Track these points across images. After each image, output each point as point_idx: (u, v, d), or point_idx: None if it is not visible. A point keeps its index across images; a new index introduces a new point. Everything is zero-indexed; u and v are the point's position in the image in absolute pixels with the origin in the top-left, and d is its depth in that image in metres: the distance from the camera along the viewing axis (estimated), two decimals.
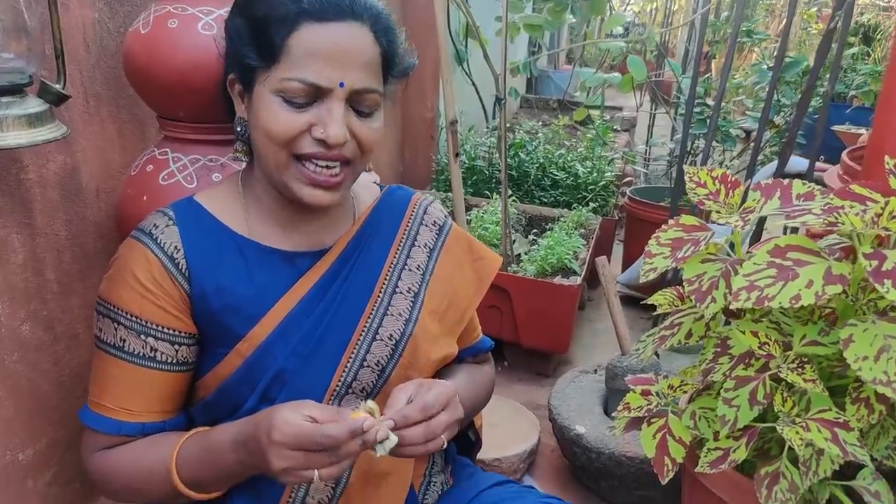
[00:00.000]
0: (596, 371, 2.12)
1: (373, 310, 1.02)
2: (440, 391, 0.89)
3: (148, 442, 0.96)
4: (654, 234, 1.09)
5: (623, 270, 3.22)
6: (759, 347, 0.92)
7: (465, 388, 1.11)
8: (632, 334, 2.99)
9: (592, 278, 2.99)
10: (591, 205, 3.01)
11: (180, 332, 0.96)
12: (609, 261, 2.03)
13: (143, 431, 0.96)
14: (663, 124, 4.97)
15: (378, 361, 1.01)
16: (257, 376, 0.96)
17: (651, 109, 4.73)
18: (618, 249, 3.56)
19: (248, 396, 0.96)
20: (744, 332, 0.93)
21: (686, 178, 1.11)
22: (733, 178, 1.09)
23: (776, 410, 0.90)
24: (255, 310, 0.96)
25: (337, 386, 0.99)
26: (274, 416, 0.82)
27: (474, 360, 1.26)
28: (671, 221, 1.09)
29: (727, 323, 1.05)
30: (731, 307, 0.91)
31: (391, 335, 1.02)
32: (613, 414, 1.87)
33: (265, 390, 0.96)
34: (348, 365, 0.99)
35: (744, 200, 1.05)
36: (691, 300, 1.20)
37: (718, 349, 1.01)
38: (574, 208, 2.93)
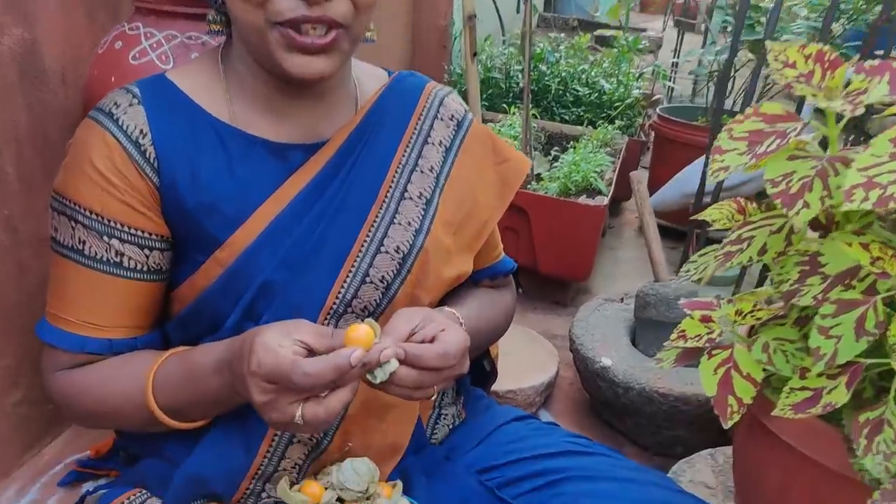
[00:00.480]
0: (622, 300, 1.93)
1: (377, 217, 0.87)
2: (459, 341, 0.77)
3: (118, 362, 0.84)
4: (726, 127, 0.88)
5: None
6: (872, 263, 0.71)
7: (480, 316, 0.99)
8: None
9: (612, 204, 2.77)
10: (617, 123, 2.77)
11: (150, 234, 0.83)
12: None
13: (111, 349, 0.84)
14: (693, 43, 4.65)
15: (382, 277, 0.87)
16: (240, 289, 0.83)
17: (679, 32, 4.42)
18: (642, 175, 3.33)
19: (229, 312, 0.83)
20: (850, 245, 0.73)
21: (770, 57, 0.88)
22: (832, 57, 0.86)
23: (891, 343, 0.70)
24: (236, 211, 0.83)
25: (334, 304, 0.84)
26: (256, 340, 0.70)
27: (492, 284, 1.11)
28: (748, 111, 0.87)
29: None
30: (840, 210, 0.71)
31: (398, 247, 0.88)
32: (643, 346, 1.72)
33: (249, 306, 0.83)
34: (347, 280, 0.85)
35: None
36: (760, 211, 0.99)
37: (806, 267, 0.81)
38: (599, 126, 2.68)
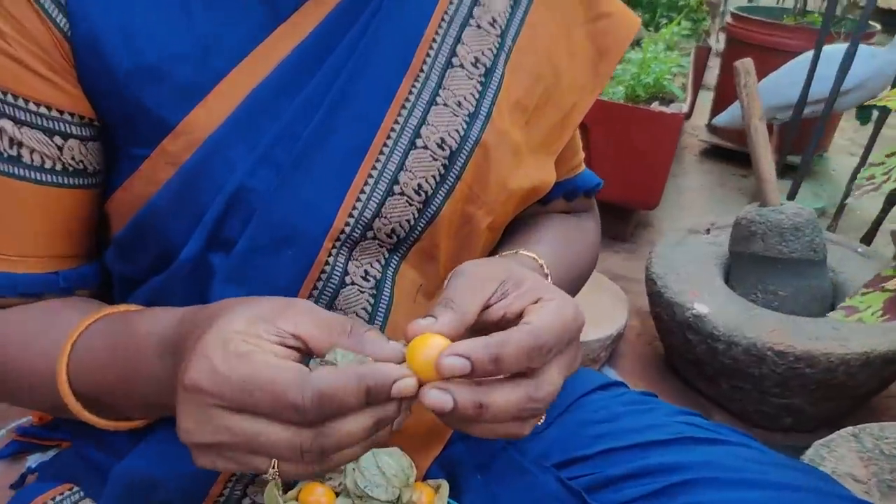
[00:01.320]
0: (709, 231, 1.54)
1: (411, 93, 0.61)
2: (564, 321, 0.47)
3: (27, 314, 0.59)
4: None
5: (713, 113, 2.56)
6: None
7: (562, 260, 0.71)
8: (722, 193, 2.41)
9: None
10: (678, 28, 2.32)
11: (61, 114, 0.57)
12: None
13: (15, 290, 0.59)
14: None
15: (419, 186, 0.60)
16: (201, 201, 0.56)
17: None
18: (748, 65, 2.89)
19: (185, 237, 0.57)
20: None
21: None
22: None
23: None
24: (194, 78, 0.57)
25: (346, 226, 0.58)
26: (212, 327, 0.44)
27: (568, 208, 0.81)
28: None
29: None
30: None
31: (443, 141, 0.61)
32: (742, 289, 1.30)
33: (215, 227, 0.57)
34: (367, 189, 0.58)
35: None
36: None
37: None
38: (663, 26, 2.24)
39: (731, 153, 2.54)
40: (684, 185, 2.39)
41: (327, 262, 0.57)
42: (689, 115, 2.46)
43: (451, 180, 0.61)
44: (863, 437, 1.06)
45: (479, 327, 0.47)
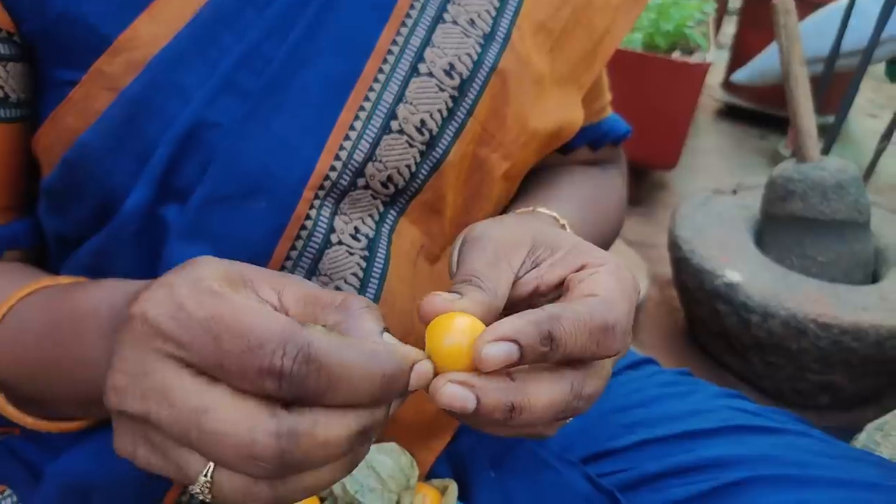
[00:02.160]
0: (735, 192, 1.40)
1: (413, 7, 0.50)
2: (624, 297, 0.36)
3: None
4: None
5: (730, 71, 2.41)
6: None
7: (587, 218, 0.60)
8: (741, 156, 2.27)
9: None
10: None
11: None
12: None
13: None
14: None
15: (423, 123, 0.49)
16: (147, 137, 0.44)
17: None
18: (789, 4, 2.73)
19: (130, 182, 0.45)
20: None
21: None
22: None
23: None
24: None
25: (331, 171, 0.47)
26: (179, 271, 0.32)
27: (594, 158, 0.69)
28: None
29: None
30: None
31: (452, 66, 0.50)
32: (776, 254, 1.14)
33: (167, 172, 0.45)
34: (357, 126, 0.47)
35: None
36: None
37: None
38: None
39: (748, 113, 2.40)
40: (700, 146, 2.26)
41: (308, 217, 0.46)
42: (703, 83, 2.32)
43: (462, 116, 0.50)
44: None
45: (507, 305, 0.37)
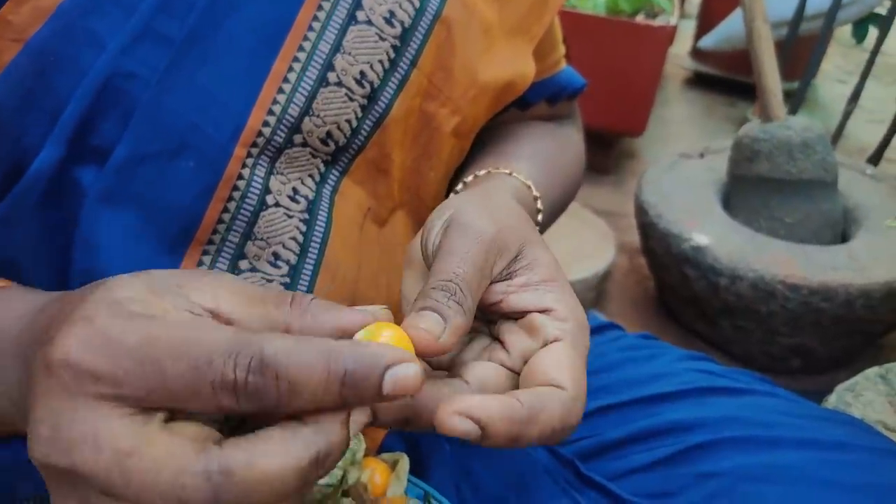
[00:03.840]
0: (703, 155, 1.38)
1: None
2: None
3: None
4: None
5: (697, 39, 2.38)
6: None
7: (550, 174, 0.57)
8: (710, 123, 2.25)
9: None
10: None
11: None
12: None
13: None
14: None
15: (363, 74, 0.45)
16: (58, 91, 0.39)
17: None
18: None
19: (39, 141, 0.40)
20: None
21: None
22: None
23: None
24: None
25: (264, 126, 0.43)
26: (94, 292, 0.28)
27: (550, 113, 0.65)
28: None
29: None
30: None
31: (392, 14, 0.46)
32: (744, 217, 1.11)
33: (81, 129, 0.40)
34: (291, 77, 0.43)
35: None
36: None
37: None
38: None
39: (717, 81, 2.38)
40: (669, 115, 2.23)
41: (241, 177, 0.42)
42: (670, 46, 2.29)
43: (405, 67, 0.47)
44: (891, 377, 0.92)
45: None
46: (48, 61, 0.39)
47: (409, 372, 0.26)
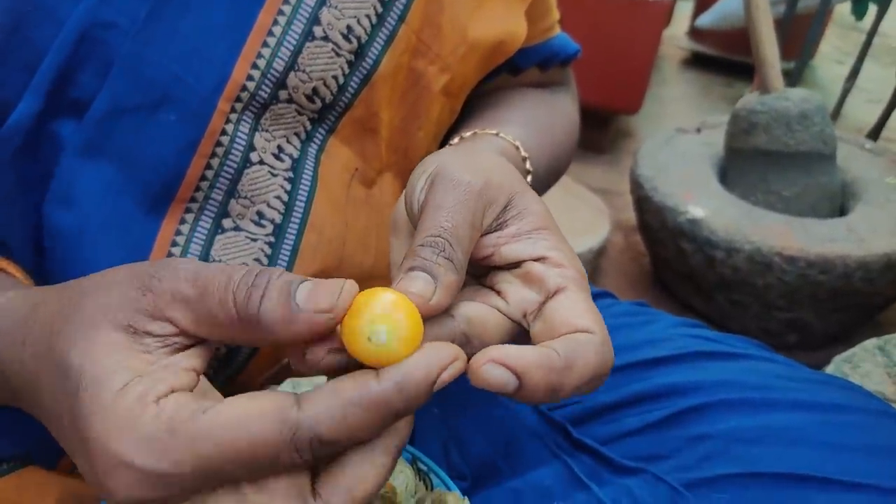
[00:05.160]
0: (699, 130, 1.36)
1: None
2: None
3: None
4: None
5: (694, 19, 2.35)
6: None
7: (542, 141, 0.54)
8: (706, 103, 2.23)
9: None
10: None
11: None
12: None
13: None
14: None
15: (349, 29, 0.43)
16: (33, 43, 0.38)
17: None
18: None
19: (15, 93, 0.38)
20: None
21: None
22: None
23: None
24: None
25: (249, 80, 0.41)
26: (80, 387, 0.26)
27: (543, 80, 0.63)
28: None
29: None
30: None
31: None
32: (741, 190, 1.09)
33: (58, 80, 0.38)
34: (275, 31, 0.41)
35: None
36: None
37: None
38: None
39: (714, 61, 2.36)
40: (665, 94, 2.21)
41: (224, 132, 0.41)
42: (668, 21, 2.26)
43: (392, 22, 0.46)
44: (890, 349, 0.91)
45: None
46: (24, 12, 0.37)
47: (453, 372, 0.27)
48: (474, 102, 0.57)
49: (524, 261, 0.33)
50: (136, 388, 0.25)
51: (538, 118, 0.57)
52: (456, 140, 0.49)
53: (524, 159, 0.48)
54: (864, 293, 1.04)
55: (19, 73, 0.38)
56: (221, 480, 0.26)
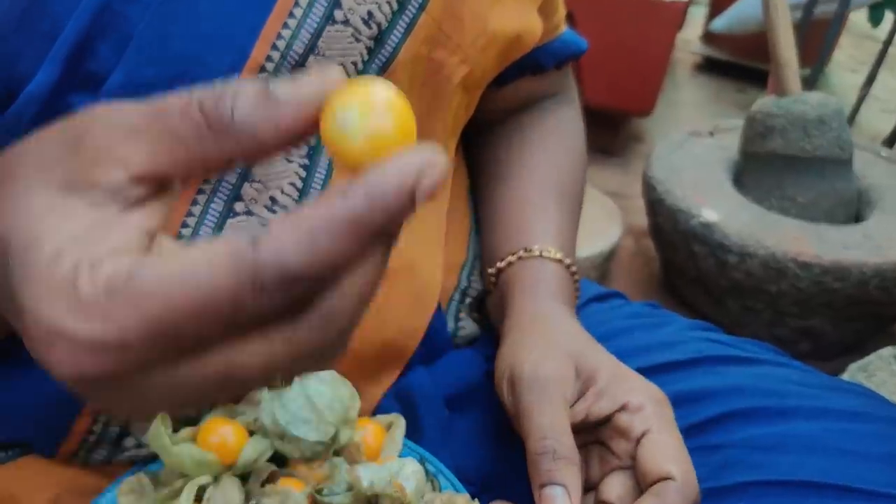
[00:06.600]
0: (713, 134, 1.34)
1: None
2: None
3: None
4: None
5: (709, 21, 2.34)
6: None
7: (570, 225, 0.61)
8: (719, 108, 2.22)
9: None
10: None
11: None
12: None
13: None
14: None
15: (370, 15, 0.43)
16: (55, 13, 0.37)
17: None
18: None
19: (34, 65, 0.37)
20: None
21: None
22: None
23: None
24: None
25: (268, 61, 0.41)
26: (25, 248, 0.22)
27: (542, 86, 0.65)
28: None
29: None
30: None
31: None
32: (757, 195, 1.07)
33: (77, 52, 0.37)
34: (296, 13, 0.41)
35: None
36: None
37: None
38: None
39: (727, 66, 2.35)
40: (678, 99, 2.20)
41: None
42: (682, 23, 2.25)
43: (413, 10, 0.46)
44: None
45: None
46: None
47: (434, 178, 0.21)
48: (496, 144, 0.61)
49: (612, 414, 0.40)
50: (70, 253, 0.22)
51: (562, 180, 0.61)
52: (503, 264, 0.54)
53: (569, 267, 0.54)
54: (880, 302, 1.02)
55: (37, 45, 0.37)
56: (183, 345, 0.21)
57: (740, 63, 2.26)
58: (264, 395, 0.43)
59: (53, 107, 0.38)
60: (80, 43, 0.38)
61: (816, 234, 1.04)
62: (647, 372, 0.54)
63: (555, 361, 0.43)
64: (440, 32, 0.47)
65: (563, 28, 0.62)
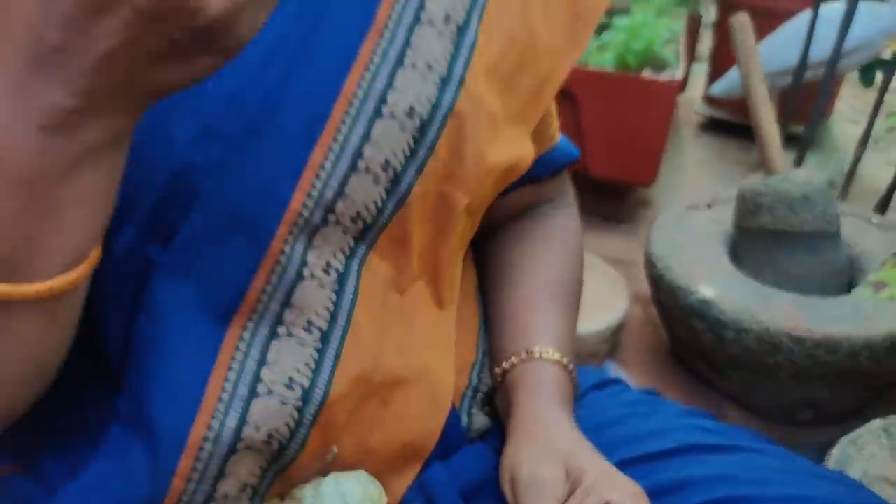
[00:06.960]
0: (710, 206, 1.41)
1: (374, 53, 0.52)
2: None
3: None
4: None
5: (709, 84, 2.42)
6: None
7: (569, 326, 0.69)
8: (722, 168, 2.28)
9: None
10: None
11: None
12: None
13: None
14: None
15: (387, 161, 0.52)
16: (139, 181, 0.46)
17: None
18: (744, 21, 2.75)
19: (117, 229, 0.46)
20: None
21: None
22: None
23: None
24: None
25: (304, 208, 0.49)
26: None
27: (538, 192, 0.73)
28: None
29: None
30: None
31: (412, 109, 0.52)
32: (751, 268, 1.15)
33: (155, 212, 0.47)
34: (326, 164, 0.50)
35: None
36: None
37: None
38: None
39: (730, 126, 2.41)
40: (682, 161, 2.26)
41: (283, 252, 0.48)
42: (683, 87, 2.33)
43: (423, 154, 0.53)
44: (894, 430, 0.94)
45: None
46: (132, 155, 0.44)
47: None
48: (501, 245, 0.69)
49: None
50: None
51: (560, 287, 0.68)
52: (508, 364, 0.62)
53: (566, 367, 0.62)
54: (871, 373, 1.07)
55: (122, 208, 0.45)
56: None
57: (742, 122, 2.32)
58: (306, 493, 0.51)
59: (132, 259, 0.47)
60: (158, 204, 0.47)
61: (808, 307, 1.10)
62: (638, 461, 0.60)
63: (549, 465, 0.51)
64: (446, 170, 0.54)
65: (558, 138, 0.69)
